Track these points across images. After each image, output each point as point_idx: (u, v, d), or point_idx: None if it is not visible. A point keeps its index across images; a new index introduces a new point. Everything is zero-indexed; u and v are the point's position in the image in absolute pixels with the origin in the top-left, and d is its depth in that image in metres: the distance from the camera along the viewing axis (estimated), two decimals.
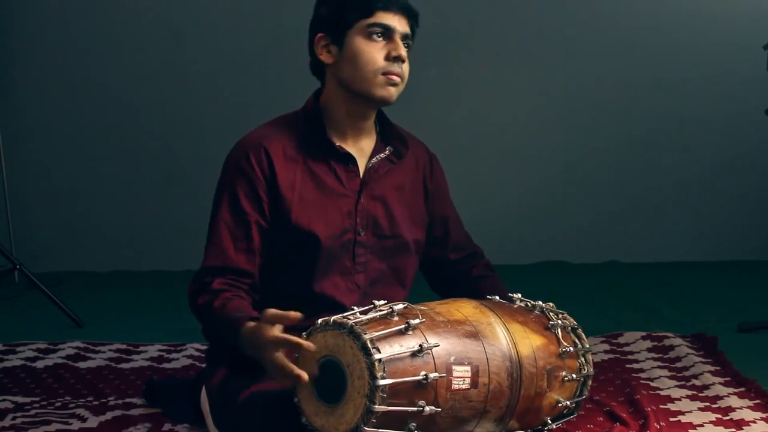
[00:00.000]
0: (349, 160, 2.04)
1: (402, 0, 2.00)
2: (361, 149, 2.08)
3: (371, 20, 1.97)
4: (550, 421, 1.91)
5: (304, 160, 2.02)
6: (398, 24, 1.99)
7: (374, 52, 1.97)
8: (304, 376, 1.64)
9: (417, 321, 1.71)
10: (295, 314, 1.68)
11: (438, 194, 2.22)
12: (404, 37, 2.00)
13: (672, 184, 4.32)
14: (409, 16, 2.01)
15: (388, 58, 1.97)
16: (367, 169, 2.07)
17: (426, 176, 2.19)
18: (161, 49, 4.27)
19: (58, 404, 2.41)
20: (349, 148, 2.05)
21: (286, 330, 1.71)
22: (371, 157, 2.08)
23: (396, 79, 1.98)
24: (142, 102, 4.30)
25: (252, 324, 1.76)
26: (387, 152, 2.10)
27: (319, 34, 2.01)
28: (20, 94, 4.31)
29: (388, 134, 2.12)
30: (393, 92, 1.99)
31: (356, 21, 1.97)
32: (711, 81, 4.21)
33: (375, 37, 1.97)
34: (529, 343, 1.85)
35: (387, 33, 1.98)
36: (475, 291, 2.10)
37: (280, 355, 1.66)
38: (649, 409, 2.24)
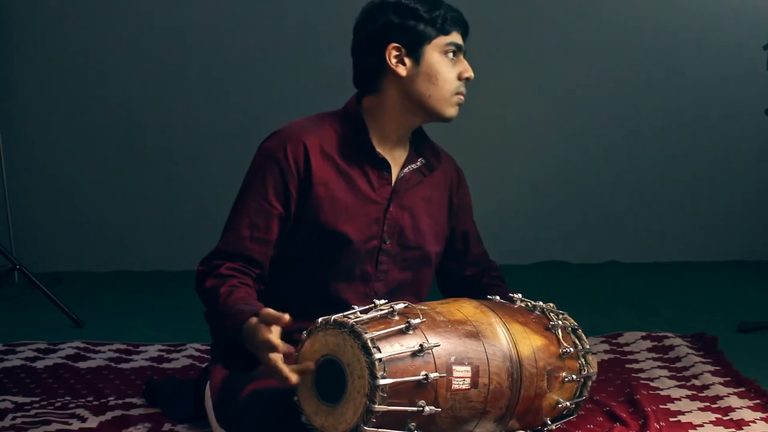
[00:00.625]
0: (384, 166, 2.04)
1: (463, 19, 2.04)
2: (394, 158, 2.07)
3: (449, 39, 1.99)
4: (549, 422, 1.91)
5: (340, 161, 2.01)
6: (463, 43, 2.03)
7: (451, 72, 2.00)
8: (293, 379, 1.65)
9: (418, 321, 1.71)
10: (285, 317, 1.68)
11: (462, 209, 2.23)
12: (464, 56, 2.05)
13: (672, 184, 4.32)
14: (466, 37, 2.05)
15: (460, 78, 2.01)
16: (399, 179, 2.07)
17: (453, 190, 2.20)
18: (161, 49, 4.27)
19: (58, 404, 2.41)
20: (385, 155, 2.05)
21: (284, 333, 1.71)
22: (403, 166, 2.08)
23: (463, 99, 2.03)
24: (142, 102, 4.30)
25: (254, 320, 1.76)
26: (419, 163, 2.10)
27: (394, 44, 1.99)
28: (20, 94, 4.31)
29: (421, 146, 2.12)
30: (458, 111, 2.04)
31: (435, 37, 1.99)
32: (711, 81, 4.21)
33: (450, 55, 2.00)
34: (529, 343, 1.85)
35: (457, 52, 2.02)
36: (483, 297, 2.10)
37: (274, 356, 1.66)
38: (649, 409, 2.24)
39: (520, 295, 2.04)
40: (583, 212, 4.31)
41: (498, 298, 1.99)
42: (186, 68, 4.28)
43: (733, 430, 2.13)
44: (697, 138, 4.28)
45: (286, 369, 1.65)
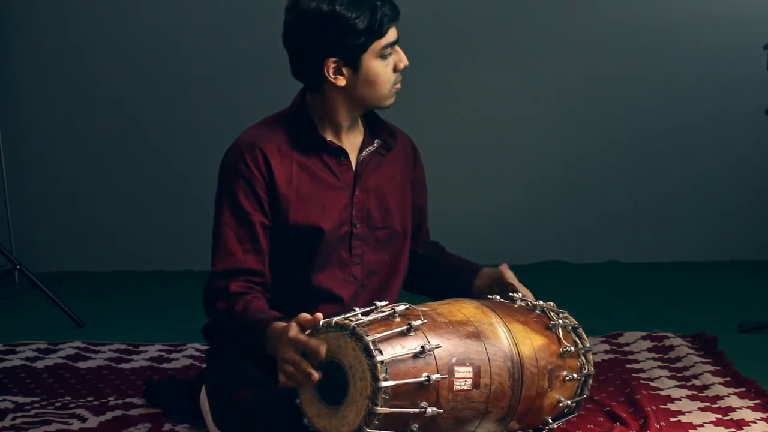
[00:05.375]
0: (341, 153, 2.07)
1: (396, 9, 2.01)
2: (352, 143, 2.10)
3: (384, 41, 1.98)
4: (551, 421, 1.92)
5: (298, 157, 2.04)
6: (397, 32, 2.02)
7: (389, 71, 2.01)
8: (315, 375, 1.67)
9: (419, 322, 1.71)
10: (318, 316, 1.72)
11: (418, 186, 2.25)
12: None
13: (672, 184, 4.32)
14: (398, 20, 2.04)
15: (396, 69, 2.03)
16: (359, 162, 2.09)
17: (411, 167, 2.22)
18: (161, 50, 4.26)
19: (58, 404, 2.41)
20: (340, 142, 2.08)
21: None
22: (361, 150, 2.11)
23: (400, 86, 2.05)
24: (142, 102, 4.30)
25: (281, 324, 1.78)
26: (376, 145, 2.13)
27: (331, 59, 1.98)
28: (20, 94, 4.31)
29: (375, 127, 2.14)
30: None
31: (371, 44, 1.98)
32: (711, 81, 4.21)
33: (386, 56, 2.00)
34: (530, 343, 1.86)
35: (392, 47, 2.01)
36: (445, 268, 2.20)
37: (297, 356, 1.70)
38: (649, 409, 2.24)
39: (520, 295, 2.04)
40: (583, 212, 4.30)
41: (498, 297, 2.00)
42: (186, 68, 4.28)
43: (733, 430, 2.14)
44: (697, 138, 4.27)
45: (308, 365, 1.68)
